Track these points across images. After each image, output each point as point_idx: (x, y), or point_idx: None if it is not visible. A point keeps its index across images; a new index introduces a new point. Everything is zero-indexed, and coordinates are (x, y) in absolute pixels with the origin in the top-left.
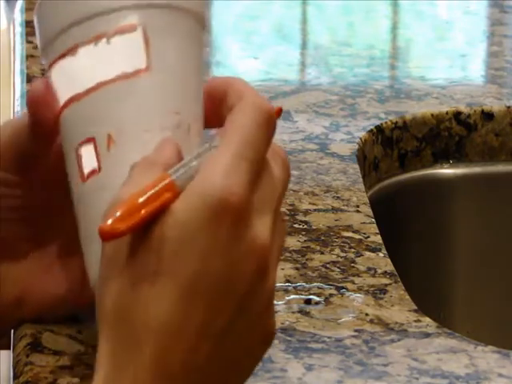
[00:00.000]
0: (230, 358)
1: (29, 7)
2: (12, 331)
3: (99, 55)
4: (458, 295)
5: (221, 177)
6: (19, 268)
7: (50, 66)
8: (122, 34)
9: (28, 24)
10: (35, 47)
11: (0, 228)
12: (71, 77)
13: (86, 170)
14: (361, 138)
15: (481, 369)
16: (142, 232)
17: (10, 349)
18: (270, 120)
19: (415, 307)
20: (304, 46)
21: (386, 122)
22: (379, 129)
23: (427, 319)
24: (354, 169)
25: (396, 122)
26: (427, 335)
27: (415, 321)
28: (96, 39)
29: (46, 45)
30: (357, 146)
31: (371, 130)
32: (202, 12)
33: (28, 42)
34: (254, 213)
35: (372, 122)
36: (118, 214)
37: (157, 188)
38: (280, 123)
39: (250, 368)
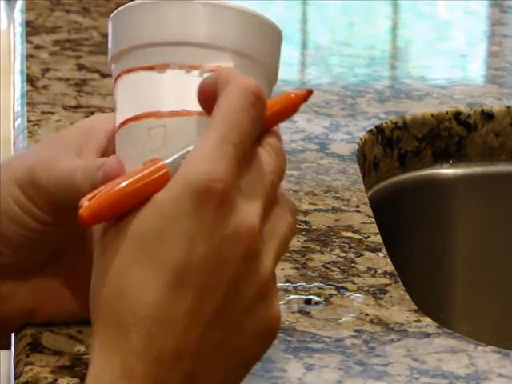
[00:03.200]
0: (225, 344)
1: (29, 7)
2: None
3: (188, 84)
4: (458, 295)
5: (203, 163)
6: (31, 286)
7: (124, 72)
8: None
9: (28, 24)
10: (35, 47)
11: (16, 253)
12: (154, 92)
13: None
14: (361, 138)
15: (481, 369)
16: (126, 222)
17: (9, 349)
18: (255, 101)
19: (415, 307)
20: (304, 46)
21: (385, 122)
22: (379, 129)
23: (427, 319)
24: (354, 169)
25: (396, 122)
26: (427, 335)
27: (415, 321)
28: (189, 68)
29: (128, 50)
30: (357, 146)
31: (371, 130)
32: (276, 70)
33: (28, 42)
34: (239, 197)
35: (372, 121)
36: (97, 195)
37: (146, 171)
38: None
39: (253, 356)
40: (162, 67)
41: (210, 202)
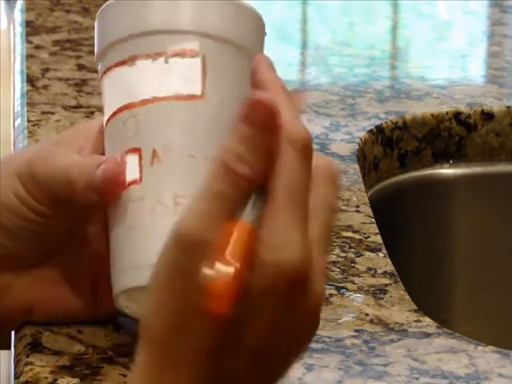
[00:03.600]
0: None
1: (29, 7)
2: (12, 331)
3: (156, 71)
4: (458, 295)
5: (292, 251)
6: (29, 280)
7: (106, 71)
8: (182, 57)
9: (28, 24)
10: (35, 47)
11: (16, 245)
12: (126, 86)
13: (128, 178)
14: (361, 138)
15: (481, 369)
16: None
17: (9, 349)
18: (307, 152)
19: (415, 307)
20: (304, 45)
21: (385, 122)
22: (379, 129)
23: (427, 319)
24: (354, 169)
25: (396, 122)
26: (427, 335)
27: (415, 321)
28: (155, 55)
29: (104, 49)
30: (357, 146)
31: (371, 130)
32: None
33: (28, 41)
34: (312, 270)
35: (372, 121)
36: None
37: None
38: None
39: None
40: (131, 60)
41: (292, 283)
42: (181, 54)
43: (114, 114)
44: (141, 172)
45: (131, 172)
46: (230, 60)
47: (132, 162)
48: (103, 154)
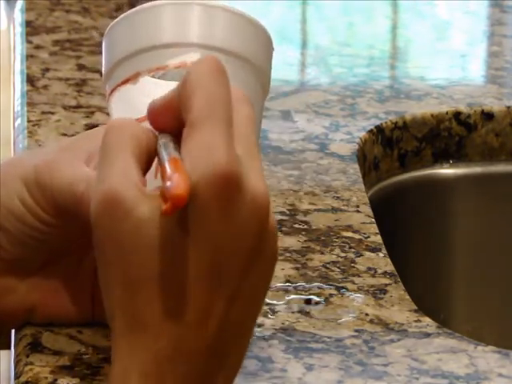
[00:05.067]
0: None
1: (29, 7)
2: (12, 331)
3: (158, 86)
4: (458, 295)
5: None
6: (30, 286)
7: (112, 91)
8: (184, 70)
9: (28, 24)
10: (35, 47)
11: (17, 250)
12: (131, 104)
13: None
14: (361, 138)
15: (481, 369)
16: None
17: (9, 349)
18: (218, 68)
19: (415, 307)
20: (304, 45)
21: (385, 122)
22: (379, 129)
23: (427, 319)
24: (354, 169)
25: (396, 122)
26: (427, 335)
27: (415, 321)
28: (157, 70)
29: (110, 70)
30: (357, 146)
31: (371, 130)
32: (263, 70)
33: (28, 41)
34: (243, 170)
35: (372, 121)
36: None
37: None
38: (280, 123)
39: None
40: (135, 77)
41: (227, 190)
42: (182, 67)
43: None
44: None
45: None
46: (233, 71)
47: None
48: None
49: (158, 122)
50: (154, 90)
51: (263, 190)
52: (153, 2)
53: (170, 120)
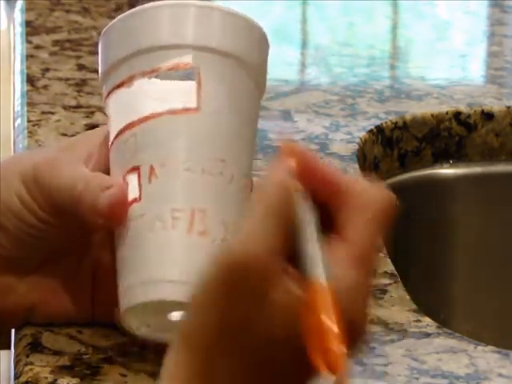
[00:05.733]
0: None
1: (29, 7)
2: (12, 331)
3: (152, 88)
4: (458, 295)
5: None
6: (29, 285)
7: (108, 94)
8: (176, 72)
9: (28, 24)
10: (35, 47)
11: (16, 248)
12: (127, 107)
13: (130, 197)
14: (361, 138)
15: (481, 369)
16: None
17: (9, 349)
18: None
19: (415, 307)
20: (304, 45)
21: (385, 122)
22: (379, 129)
23: (427, 319)
24: (354, 169)
25: (396, 122)
26: (427, 335)
27: (415, 321)
28: (151, 72)
29: (106, 73)
30: (357, 146)
31: (371, 130)
32: (259, 70)
33: (28, 42)
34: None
35: (372, 122)
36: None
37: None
38: (280, 123)
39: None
40: (129, 80)
41: None
42: (175, 69)
43: (117, 136)
44: (140, 190)
45: (132, 191)
46: (227, 71)
47: (132, 181)
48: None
49: (308, 183)
50: (149, 89)
51: None
52: (145, 5)
53: (321, 190)
